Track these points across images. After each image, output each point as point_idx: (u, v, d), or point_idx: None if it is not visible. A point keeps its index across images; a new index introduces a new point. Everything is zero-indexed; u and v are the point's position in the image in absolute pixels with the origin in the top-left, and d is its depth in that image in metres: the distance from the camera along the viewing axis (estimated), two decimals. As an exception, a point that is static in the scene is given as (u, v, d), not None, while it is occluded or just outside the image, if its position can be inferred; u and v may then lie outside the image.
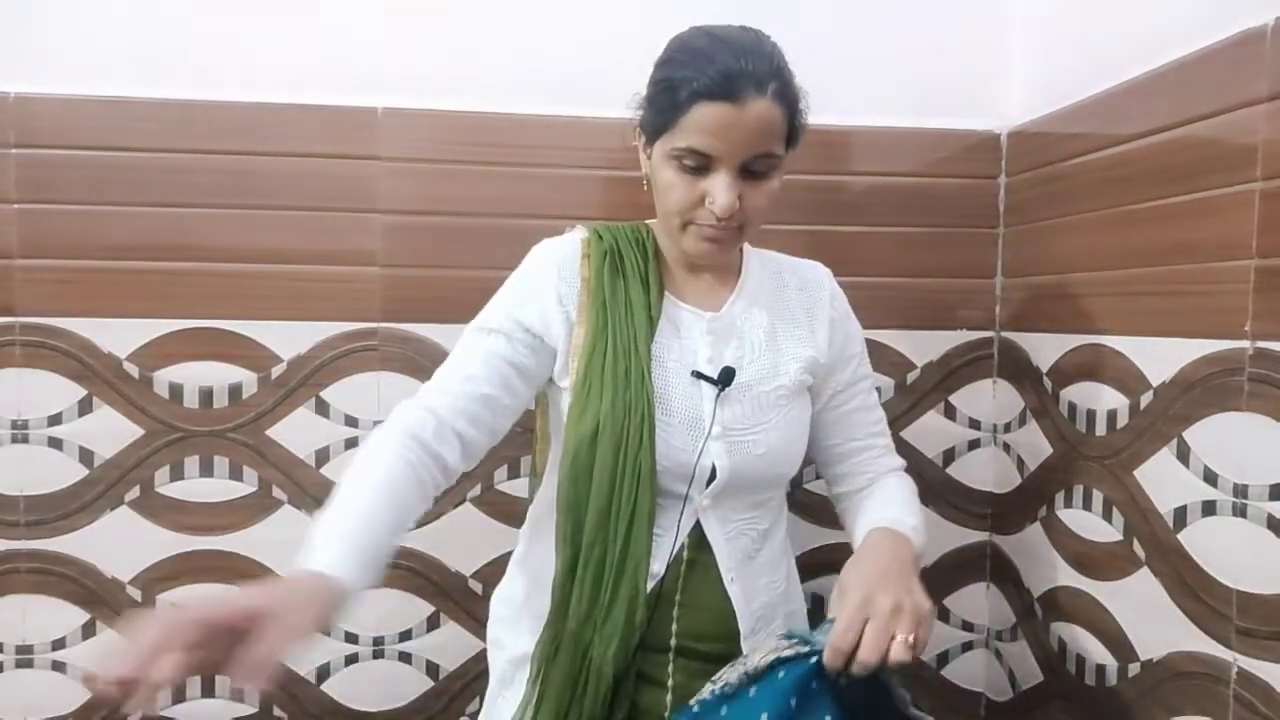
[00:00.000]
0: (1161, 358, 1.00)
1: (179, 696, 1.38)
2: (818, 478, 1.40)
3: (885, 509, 0.97)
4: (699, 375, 0.90)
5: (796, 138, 0.92)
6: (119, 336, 1.31)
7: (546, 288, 0.92)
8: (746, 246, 1.04)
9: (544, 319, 0.91)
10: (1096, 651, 1.13)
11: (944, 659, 1.47)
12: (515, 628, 1.00)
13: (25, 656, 1.34)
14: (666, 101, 0.86)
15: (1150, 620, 1.02)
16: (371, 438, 0.84)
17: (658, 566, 0.89)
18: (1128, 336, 1.07)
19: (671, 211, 0.90)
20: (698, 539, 0.92)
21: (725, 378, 0.89)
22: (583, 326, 0.91)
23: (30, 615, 1.33)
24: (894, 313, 1.40)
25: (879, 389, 1.40)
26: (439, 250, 1.33)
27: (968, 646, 1.47)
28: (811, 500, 1.42)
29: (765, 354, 0.94)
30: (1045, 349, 1.27)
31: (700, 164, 0.85)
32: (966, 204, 1.41)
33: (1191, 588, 0.95)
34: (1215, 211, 0.92)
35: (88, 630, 1.35)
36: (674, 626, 0.91)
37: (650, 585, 0.88)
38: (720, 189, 0.85)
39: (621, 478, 0.86)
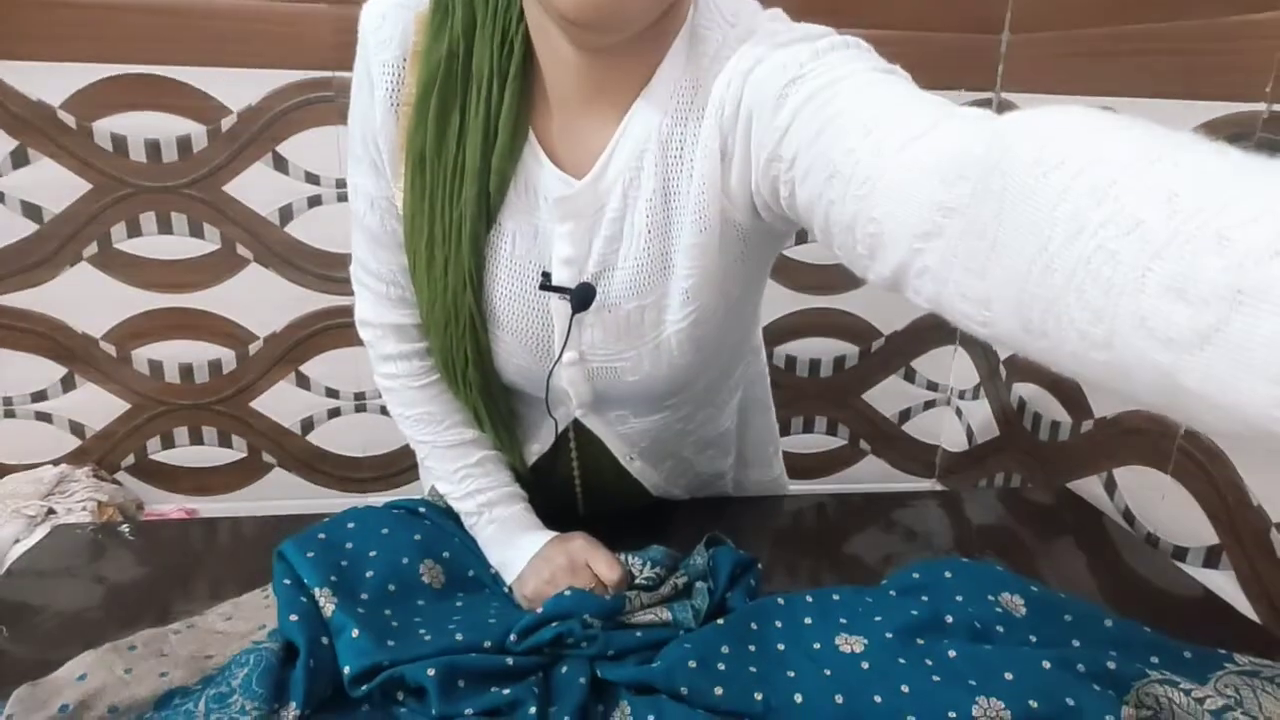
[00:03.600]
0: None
1: (168, 447, 1.42)
2: (801, 242, 1.39)
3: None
4: (548, 287, 0.62)
5: None
6: (47, 82, 1.20)
7: (377, 100, 0.62)
8: (688, 28, 0.59)
9: (389, 138, 0.64)
10: (1053, 409, 1.18)
11: (905, 415, 1.55)
12: None
13: (8, 408, 1.36)
14: None
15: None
16: (390, 403, 0.73)
17: (538, 446, 0.75)
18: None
19: None
20: (582, 431, 0.74)
21: (581, 297, 0.62)
22: (404, 165, 0.63)
23: (6, 369, 1.33)
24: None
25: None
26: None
27: (929, 405, 1.54)
28: (779, 262, 1.41)
29: (649, 247, 0.61)
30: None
31: None
32: None
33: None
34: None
35: (68, 383, 1.36)
36: (577, 489, 0.79)
37: (534, 459, 0.76)
38: None
39: (456, 385, 0.69)
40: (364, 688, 0.55)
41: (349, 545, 0.65)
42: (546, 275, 0.63)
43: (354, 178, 0.66)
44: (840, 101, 0.48)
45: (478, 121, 0.60)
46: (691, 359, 0.66)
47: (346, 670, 0.55)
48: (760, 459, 0.89)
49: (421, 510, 0.71)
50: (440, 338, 0.67)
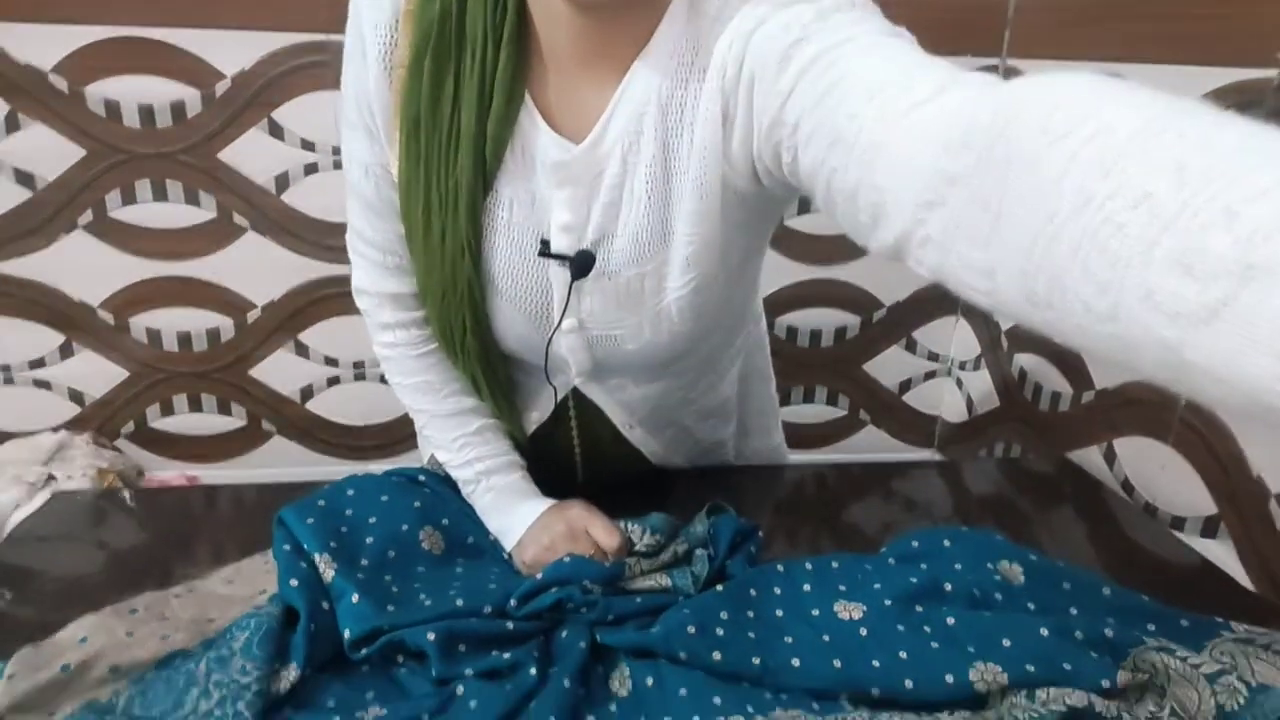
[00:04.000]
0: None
1: (167, 415, 1.42)
2: (803, 211, 1.38)
3: None
4: (547, 254, 0.62)
5: None
6: (36, 45, 1.18)
7: (370, 63, 0.60)
8: None
9: (382, 103, 0.61)
10: (1054, 380, 1.18)
11: (906, 386, 1.54)
12: None
13: (6, 375, 1.35)
14: None
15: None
16: (388, 371, 0.73)
17: (538, 414, 0.75)
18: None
19: None
20: (581, 399, 0.73)
21: (581, 265, 0.61)
22: (398, 130, 0.61)
23: (4, 336, 1.33)
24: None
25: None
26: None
27: (930, 375, 1.54)
28: (781, 232, 1.40)
29: (648, 213, 0.60)
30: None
31: None
32: None
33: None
34: None
35: (66, 351, 1.35)
36: (577, 458, 0.79)
37: (533, 428, 0.75)
38: None
39: (454, 353, 0.69)
40: (364, 651, 0.55)
41: (349, 512, 0.65)
42: (545, 242, 0.61)
43: (348, 145, 0.65)
44: (844, 65, 0.46)
45: (472, 84, 0.58)
46: (692, 326, 0.65)
47: (347, 634, 0.55)
48: (760, 428, 0.88)
49: (421, 478, 0.71)
50: (438, 306, 0.66)
